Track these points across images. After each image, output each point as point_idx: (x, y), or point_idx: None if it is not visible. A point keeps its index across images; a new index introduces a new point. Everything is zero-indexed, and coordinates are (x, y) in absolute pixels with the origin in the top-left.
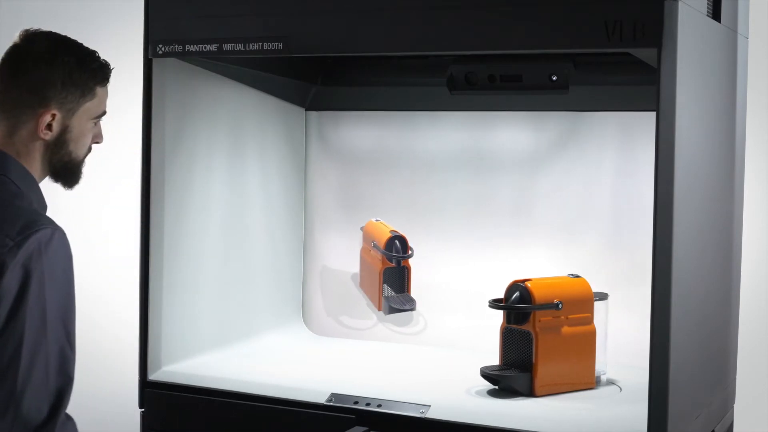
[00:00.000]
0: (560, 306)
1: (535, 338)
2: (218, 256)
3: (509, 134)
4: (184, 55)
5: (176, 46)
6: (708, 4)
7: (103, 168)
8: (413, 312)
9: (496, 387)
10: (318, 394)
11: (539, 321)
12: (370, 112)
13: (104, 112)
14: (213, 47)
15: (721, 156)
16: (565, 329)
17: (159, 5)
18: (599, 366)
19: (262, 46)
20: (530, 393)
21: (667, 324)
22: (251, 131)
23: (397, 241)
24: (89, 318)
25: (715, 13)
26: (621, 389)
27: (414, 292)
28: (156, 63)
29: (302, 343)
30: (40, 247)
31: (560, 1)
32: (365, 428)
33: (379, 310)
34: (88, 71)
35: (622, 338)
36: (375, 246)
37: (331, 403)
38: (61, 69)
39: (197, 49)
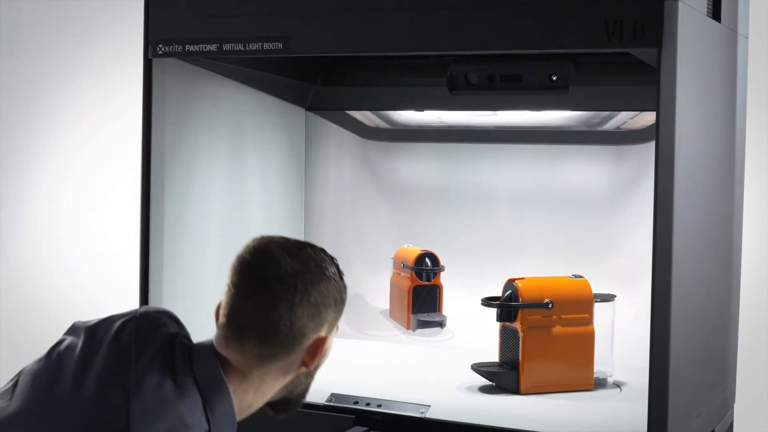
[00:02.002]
0: (551, 305)
1: (522, 336)
2: (218, 256)
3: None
4: (184, 55)
5: (176, 46)
6: (708, 4)
7: (103, 168)
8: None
9: (493, 384)
10: (318, 394)
11: (527, 319)
12: (371, 113)
13: None
14: (213, 47)
15: (721, 156)
16: (557, 329)
17: (159, 5)
18: (605, 368)
19: (262, 46)
20: (516, 390)
21: (667, 324)
22: (251, 131)
23: (427, 258)
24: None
25: (715, 13)
26: (621, 389)
27: None
28: (156, 63)
29: None
30: None
31: (560, 1)
32: (365, 428)
33: (408, 329)
34: (343, 280)
35: (621, 338)
36: (405, 265)
37: (331, 403)
38: (334, 284)
39: (197, 49)
